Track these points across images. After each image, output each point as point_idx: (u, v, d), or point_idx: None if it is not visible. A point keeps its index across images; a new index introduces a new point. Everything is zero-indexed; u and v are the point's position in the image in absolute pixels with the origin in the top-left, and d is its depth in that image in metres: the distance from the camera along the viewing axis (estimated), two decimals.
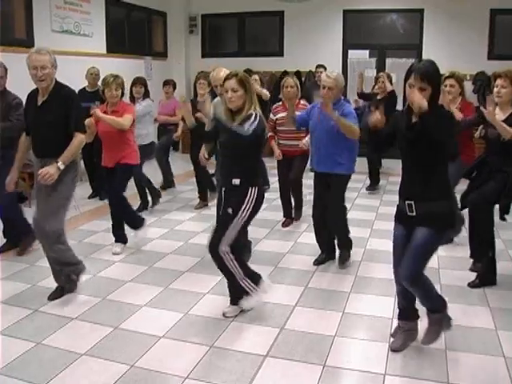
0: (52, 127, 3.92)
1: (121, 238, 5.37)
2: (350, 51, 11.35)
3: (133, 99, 6.78)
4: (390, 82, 8.05)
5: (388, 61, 11.24)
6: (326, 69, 9.08)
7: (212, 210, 6.09)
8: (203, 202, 7.00)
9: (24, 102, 4.20)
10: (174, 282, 4.53)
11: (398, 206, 3.34)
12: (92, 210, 6.84)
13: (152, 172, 7.42)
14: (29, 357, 3.36)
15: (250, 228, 4.22)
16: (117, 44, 10.14)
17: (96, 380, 3.11)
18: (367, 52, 11.55)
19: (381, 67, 11.11)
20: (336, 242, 4.99)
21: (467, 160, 4.79)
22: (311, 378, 3.13)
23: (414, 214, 3.16)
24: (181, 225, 6.20)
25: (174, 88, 8.26)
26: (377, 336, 3.58)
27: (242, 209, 3.67)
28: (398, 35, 11.24)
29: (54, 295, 4.18)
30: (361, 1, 10.88)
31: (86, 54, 8.75)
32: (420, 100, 2.91)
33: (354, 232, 5.14)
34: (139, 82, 6.78)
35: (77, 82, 4.13)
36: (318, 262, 4.93)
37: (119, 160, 5.13)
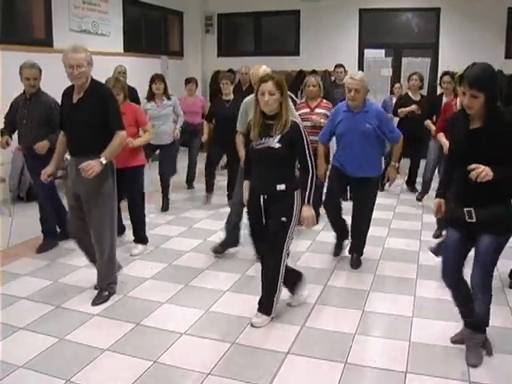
0: (88, 125, 3.87)
1: (141, 239, 5.39)
2: (366, 50, 11.29)
3: (153, 96, 6.75)
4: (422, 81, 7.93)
5: (404, 60, 11.17)
6: (345, 68, 9.06)
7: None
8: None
9: (60, 100, 4.16)
10: (193, 280, 4.55)
11: (450, 209, 3.27)
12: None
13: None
14: (52, 352, 3.40)
15: None
16: (134, 43, 10.18)
17: (119, 375, 3.15)
18: (383, 51, 11.51)
19: (397, 66, 11.09)
20: (350, 243, 4.98)
21: None
22: (333, 375, 3.14)
23: (475, 220, 3.09)
24: (199, 223, 6.23)
25: (197, 86, 8.21)
26: (397, 334, 3.58)
27: (294, 214, 3.64)
28: (414, 34, 11.18)
29: (98, 300, 4.16)
30: (377, 0, 10.84)
31: (104, 53, 8.78)
32: (486, 175, 2.84)
33: (371, 231, 5.14)
34: (158, 78, 6.74)
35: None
36: (336, 253, 5.01)
37: (127, 163, 5.01)
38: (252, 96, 4.91)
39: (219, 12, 12.07)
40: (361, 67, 11.17)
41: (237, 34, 12.77)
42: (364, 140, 4.53)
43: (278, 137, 3.54)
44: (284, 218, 3.61)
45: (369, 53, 11.35)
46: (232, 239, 5.11)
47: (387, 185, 4.73)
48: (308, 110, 5.78)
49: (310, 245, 5.47)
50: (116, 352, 3.39)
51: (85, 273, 4.56)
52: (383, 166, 4.80)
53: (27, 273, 4.70)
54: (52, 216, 5.36)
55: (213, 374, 3.16)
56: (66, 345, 3.49)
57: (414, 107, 7.45)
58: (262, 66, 4.73)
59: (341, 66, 9.21)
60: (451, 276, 3.28)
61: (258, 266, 4.77)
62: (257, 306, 3.84)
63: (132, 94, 7.19)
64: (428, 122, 6.48)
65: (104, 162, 3.84)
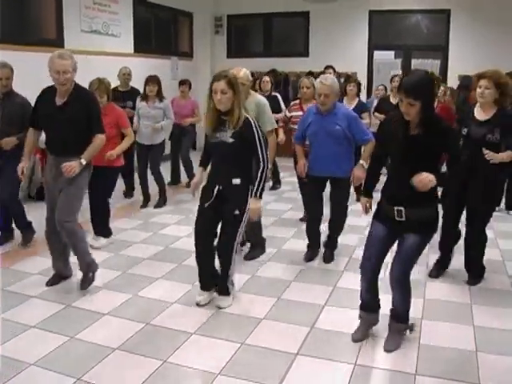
0: (71, 128, 4.06)
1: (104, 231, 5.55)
2: (375, 52, 11.29)
3: (146, 97, 6.82)
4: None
5: (414, 62, 11.16)
6: (334, 70, 9.06)
7: None
8: None
9: (37, 97, 4.27)
10: None
11: (379, 205, 3.40)
12: (125, 207, 6.99)
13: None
14: (63, 350, 3.42)
15: (275, 227, 4.24)
16: (144, 44, 10.22)
17: (130, 374, 3.16)
18: (393, 53, 11.51)
19: (406, 68, 11.06)
20: (325, 240, 5.11)
21: None
22: (342, 376, 3.15)
23: (404, 219, 3.22)
24: None
25: (190, 87, 8.32)
26: (407, 336, 3.56)
27: (247, 208, 3.84)
28: (423, 36, 11.16)
29: (85, 283, 4.32)
30: (386, 1, 10.82)
31: (114, 53, 8.84)
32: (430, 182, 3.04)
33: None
34: (152, 80, 6.83)
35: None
36: (309, 259, 5.06)
37: (108, 162, 5.19)
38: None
39: (229, 13, 12.10)
40: (370, 69, 11.19)
41: (246, 36, 12.80)
42: (333, 141, 4.65)
43: (231, 132, 3.73)
44: (237, 211, 3.82)
45: (378, 54, 11.35)
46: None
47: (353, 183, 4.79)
48: (301, 112, 5.79)
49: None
50: (126, 351, 3.41)
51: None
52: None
53: (38, 272, 4.73)
54: (20, 209, 5.43)
55: (222, 374, 3.17)
56: (76, 343, 3.51)
57: (382, 117, 7.28)
58: (242, 69, 4.75)
59: (330, 67, 9.20)
60: (370, 270, 3.45)
61: (269, 268, 4.82)
62: (264, 307, 3.96)
63: (136, 95, 7.23)
64: None
65: (84, 162, 4.09)
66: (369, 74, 10.93)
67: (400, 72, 10.85)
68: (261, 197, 3.84)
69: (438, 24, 10.96)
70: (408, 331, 3.51)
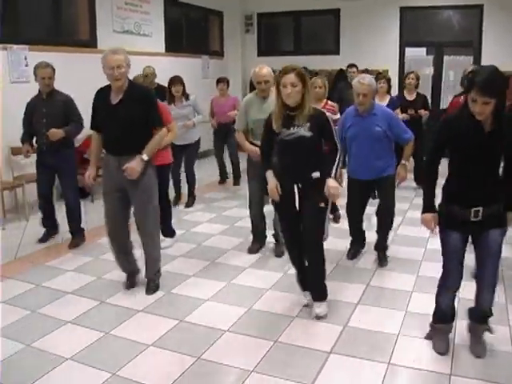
0: (130, 125, 3.97)
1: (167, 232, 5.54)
2: (406, 49, 11.14)
3: (172, 98, 6.82)
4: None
5: (446, 58, 11.00)
6: (357, 68, 8.95)
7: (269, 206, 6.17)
8: None
9: (93, 100, 4.23)
10: (236, 278, 4.59)
11: (448, 213, 3.21)
12: None
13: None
14: (98, 346, 3.48)
15: None
16: (175, 43, 10.28)
17: (164, 371, 3.20)
18: (424, 49, 11.36)
19: (438, 65, 10.93)
20: (375, 244, 5.00)
21: None
22: (376, 375, 3.13)
23: (480, 218, 3.10)
24: (241, 221, 6.25)
25: (228, 85, 8.32)
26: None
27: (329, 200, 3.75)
28: (455, 32, 10.99)
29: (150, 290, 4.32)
30: None
31: (146, 53, 8.91)
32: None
33: (413, 231, 5.09)
34: (177, 81, 6.82)
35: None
36: (352, 256, 5.03)
37: (158, 161, 5.11)
38: (250, 95, 5.01)
39: (259, 11, 12.09)
40: (401, 66, 11.06)
41: (276, 34, 12.77)
42: (375, 143, 4.57)
43: (308, 125, 3.62)
44: (322, 204, 3.70)
45: (410, 51, 11.21)
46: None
47: (396, 183, 4.70)
48: None
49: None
50: (160, 348, 3.45)
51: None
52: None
53: (73, 269, 4.82)
54: (79, 214, 5.55)
55: (256, 371, 3.18)
56: (111, 339, 3.57)
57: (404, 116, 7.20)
58: (265, 66, 4.73)
59: (353, 65, 9.07)
60: (457, 285, 3.31)
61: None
62: (296, 305, 3.92)
63: (163, 93, 7.29)
64: None
65: (146, 158, 4.00)
66: (400, 71, 10.80)
67: (432, 69, 10.75)
68: (335, 177, 3.71)
69: (470, 20, 10.77)
70: (488, 332, 3.39)
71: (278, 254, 5.05)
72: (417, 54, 11.31)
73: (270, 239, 5.31)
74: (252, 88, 11.92)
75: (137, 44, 8.91)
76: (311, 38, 12.08)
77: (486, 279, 3.22)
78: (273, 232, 5.19)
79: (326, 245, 5.31)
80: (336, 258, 5.01)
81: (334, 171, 3.68)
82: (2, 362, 3.27)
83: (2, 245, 5.40)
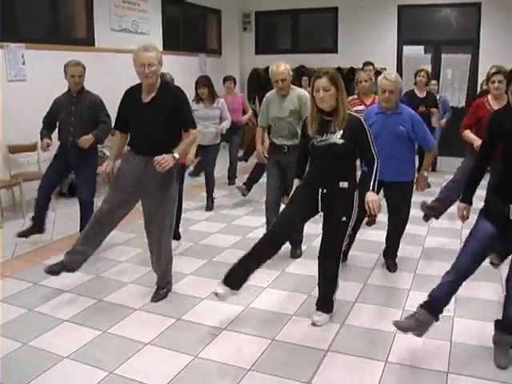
0: (163, 124, 3.86)
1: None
2: (404, 47, 11.17)
3: (200, 98, 6.74)
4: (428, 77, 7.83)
5: (444, 56, 11.00)
6: (374, 66, 8.92)
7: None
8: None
9: (121, 99, 4.09)
10: None
11: (488, 203, 3.21)
12: None
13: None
14: (96, 344, 3.48)
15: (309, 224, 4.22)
16: (172, 42, 10.27)
17: (161, 369, 3.19)
18: (422, 47, 11.36)
19: (436, 63, 10.94)
20: (385, 246, 4.91)
21: None
22: (373, 373, 3.13)
23: None
24: (238, 219, 6.26)
25: (235, 83, 8.32)
26: (438, 334, 3.52)
27: (353, 214, 3.62)
28: (454, 30, 10.99)
29: (156, 297, 4.20)
30: None
31: None
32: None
33: (411, 229, 5.08)
34: (201, 82, 6.72)
35: (137, 80, 4.26)
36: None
37: None
38: (272, 92, 4.93)
39: (257, 10, 12.10)
40: (399, 64, 11.07)
41: (274, 32, 12.77)
42: (397, 142, 4.43)
43: (341, 132, 3.52)
44: (344, 218, 3.58)
45: (408, 49, 11.22)
46: None
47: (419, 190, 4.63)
48: (363, 106, 5.65)
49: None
50: (158, 346, 3.45)
51: (126, 267, 4.64)
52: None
53: None
54: (92, 213, 5.46)
55: (253, 369, 3.18)
56: (109, 337, 3.56)
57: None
58: (282, 63, 4.69)
59: (370, 63, 8.88)
60: (467, 269, 3.19)
61: (298, 264, 4.81)
62: (295, 304, 3.92)
63: None
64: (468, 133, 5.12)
65: (177, 156, 3.85)
66: (398, 70, 10.81)
67: (430, 67, 10.74)
68: (374, 191, 3.57)
69: (468, 18, 10.78)
70: None
71: (295, 256, 5.01)
72: (415, 52, 11.30)
73: None
74: (250, 86, 11.95)
75: (134, 42, 8.81)
76: (309, 36, 12.08)
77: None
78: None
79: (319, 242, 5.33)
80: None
81: (372, 183, 3.54)
82: (0, 360, 3.26)
83: None
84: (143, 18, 9.30)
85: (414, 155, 4.66)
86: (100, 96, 5.29)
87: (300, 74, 10.37)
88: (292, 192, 3.83)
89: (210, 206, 6.92)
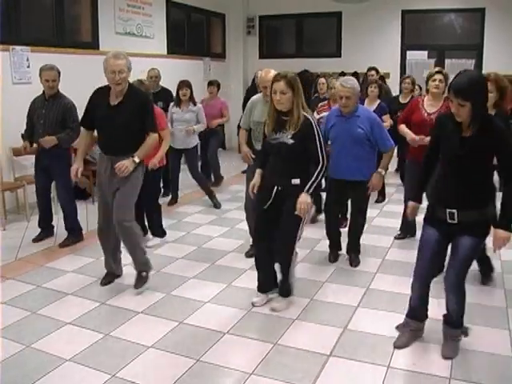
0: (127, 127, 4.09)
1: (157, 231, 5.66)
2: (408, 52, 11.20)
3: (179, 101, 6.90)
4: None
5: (447, 62, 11.01)
6: (377, 71, 8.94)
7: None
8: None
9: (90, 98, 4.29)
10: (235, 280, 4.59)
11: (429, 208, 3.33)
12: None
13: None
14: (98, 347, 3.48)
15: (308, 228, 4.25)
16: (177, 45, 10.33)
17: (163, 372, 3.20)
18: (426, 53, 11.37)
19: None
20: (346, 245, 5.06)
21: None
22: (375, 378, 3.13)
23: (456, 221, 3.15)
24: (241, 223, 6.26)
25: (219, 88, 8.42)
26: (441, 339, 3.50)
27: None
28: (457, 35, 11.02)
29: (139, 283, 4.36)
30: (420, 1, 10.73)
31: (148, 55, 8.94)
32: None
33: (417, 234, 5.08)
34: (185, 84, 6.89)
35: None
36: (333, 260, 5.04)
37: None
38: (258, 95, 5.01)
39: (261, 14, 12.15)
40: (403, 69, 11.09)
41: (278, 36, 12.81)
42: (355, 144, 4.60)
43: (292, 133, 3.71)
44: (297, 212, 3.74)
45: (411, 54, 11.26)
46: None
47: (369, 191, 4.75)
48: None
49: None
50: (160, 349, 3.45)
51: (128, 271, 4.63)
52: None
53: (73, 270, 4.82)
54: (74, 213, 5.60)
55: (255, 373, 3.18)
56: (111, 340, 3.57)
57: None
58: (270, 70, 4.75)
59: (373, 68, 8.94)
60: (423, 275, 3.39)
61: (302, 268, 4.80)
62: (297, 308, 3.97)
63: (166, 95, 7.35)
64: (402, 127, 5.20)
65: (137, 160, 4.11)
66: (402, 75, 10.80)
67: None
68: (311, 194, 3.76)
69: (472, 23, 10.81)
70: (463, 336, 3.44)
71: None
72: (418, 58, 11.32)
73: None
74: (250, 91, 12.03)
75: (139, 46, 8.93)
76: (313, 40, 12.12)
77: (449, 283, 3.28)
78: None
79: (321, 246, 5.36)
80: (335, 261, 5.02)
81: (309, 185, 3.74)
82: (2, 362, 3.28)
83: (3, 245, 5.42)
84: (148, 22, 9.34)
85: (373, 158, 4.78)
86: (73, 102, 5.36)
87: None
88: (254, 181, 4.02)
89: (217, 205, 7.10)
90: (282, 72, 3.77)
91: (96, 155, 7.58)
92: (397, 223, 5.70)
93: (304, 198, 3.71)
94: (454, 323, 3.39)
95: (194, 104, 6.96)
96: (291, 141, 3.71)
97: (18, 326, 3.75)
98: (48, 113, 5.26)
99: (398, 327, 3.63)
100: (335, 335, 3.62)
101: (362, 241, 5.04)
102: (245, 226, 6.11)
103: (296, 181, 3.76)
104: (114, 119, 4.08)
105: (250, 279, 4.57)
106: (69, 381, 3.12)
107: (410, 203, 3.54)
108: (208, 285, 4.49)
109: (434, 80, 4.93)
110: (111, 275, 4.56)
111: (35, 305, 4.09)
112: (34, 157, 5.58)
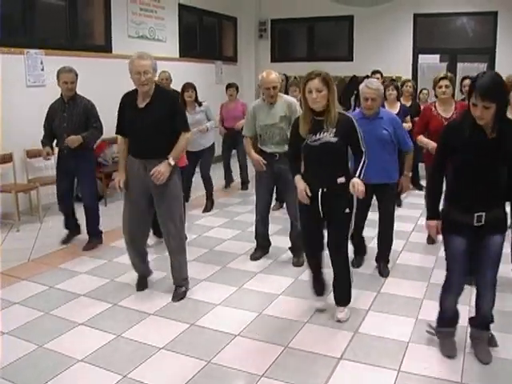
0: (157, 129, 4.00)
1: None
2: (420, 55, 11.17)
3: (184, 104, 6.82)
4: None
5: (459, 65, 10.98)
6: (382, 74, 8.93)
7: (281, 212, 6.19)
8: None
9: (119, 104, 4.22)
10: (247, 283, 4.61)
11: (447, 217, 3.28)
12: None
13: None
14: (110, 348, 3.51)
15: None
16: (189, 49, 10.36)
17: (174, 374, 3.22)
18: (438, 56, 11.34)
19: (452, 72, 10.83)
20: (378, 251, 4.94)
21: None
22: (386, 382, 3.12)
23: (483, 223, 3.14)
24: (252, 227, 6.25)
25: (238, 91, 8.44)
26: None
27: (354, 205, 3.77)
28: (469, 39, 10.98)
29: (177, 296, 4.31)
30: (432, 4, 10.69)
31: (160, 58, 8.94)
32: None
33: (426, 238, 5.06)
34: (190, 86, 6.91)
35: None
36: (357, 264, 4.96)
37: None
38: (258, 100, 5.02)
39: (272, 18, 12.16)
40: (415, 73, 11.07)
41: (290, 40, 12.82)
42: (381, 146, 4.54)
43: (334, 131, 3.63)
44: (347, 210, 3.72)
45: (423, 58, 11.22)
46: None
47: (403, 195, 4.70)
48: None
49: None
50: (171, 351, 3.47)
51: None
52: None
53: (86, 271, 4.86)
54: (97, 216, 5.60)
55: (266, 376, 3.18)
56: (122, 342, 3.60)
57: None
58: (272, 72, 4.76)
59: (377, 72, 8.94)
60: (459, 287, 3.35)
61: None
62: (308, 311, 3.94)
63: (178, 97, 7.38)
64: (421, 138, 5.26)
65: (172, 162, 4.02)
66: (414, 78, 10.80)
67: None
68: (361, 178, 3.67)
69: (484, 26, 10.77)
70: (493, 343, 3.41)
71: (298, 265, 4.99)
72: (430, 61, 11.28)
73: (276, 245, 5.33)
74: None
75: (151, 49, 8.84)
76: (324, 44, 12.14)
77: (487, 283, 3.25)
78: (289, 245, 5.18)
79: None
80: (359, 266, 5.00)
81: (359, 172, 3.66)
82: (15, 362, 3.31)
83: (16, 247, 5.46)
84: (160, 25, 9.39)
85: (396, 159, 4.75)
86: (92, 101, 5.40)
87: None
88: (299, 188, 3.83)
89: (208, 208, 7.09)
90: (315, 71, 3.65)
91: (108, 158, 7.66)
92: (408, 227, 5.69)
93: (357, 180, 3.59)
94: (488, 324, 3.37)
95: (200, 104, 6.95)
96: (335, 139, 3.63)
97: (30, 326, 3.79)
98: (70, 115, 5.26)
99: (432, 333, 3.56)
100: (346, 339, 3.62)
101: (372, 244, 5.03)
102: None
103: (342, 179, 3.68)
104: (143, 121, 4.00)
105: (262, 282, 4.61)
106: (80, 381, 3.15)
107: (432, 223, 3.37)
108: (219, 287, 4.51)
109: (441, 87, 4.99)
110: (145, 278, 4.53)
111: (48, 305, 4.12)
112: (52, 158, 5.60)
